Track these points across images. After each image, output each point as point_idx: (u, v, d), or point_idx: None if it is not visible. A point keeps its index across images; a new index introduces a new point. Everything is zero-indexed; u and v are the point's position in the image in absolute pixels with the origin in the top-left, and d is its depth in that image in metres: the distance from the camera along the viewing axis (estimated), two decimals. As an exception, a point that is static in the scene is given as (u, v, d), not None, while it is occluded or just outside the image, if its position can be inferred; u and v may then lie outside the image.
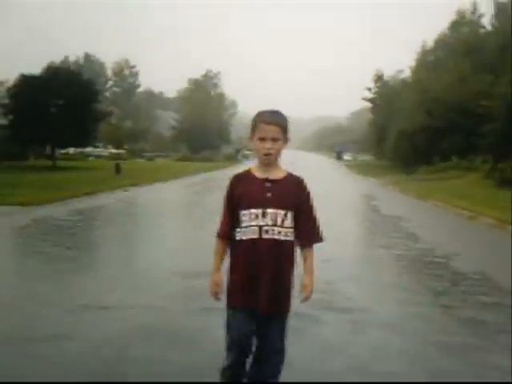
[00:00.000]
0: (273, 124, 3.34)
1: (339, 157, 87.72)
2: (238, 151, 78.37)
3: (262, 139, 3.33)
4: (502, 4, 46.45)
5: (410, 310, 6.33)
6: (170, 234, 12.40)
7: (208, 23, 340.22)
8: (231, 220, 3.39)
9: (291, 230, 3.37)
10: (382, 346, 5.10)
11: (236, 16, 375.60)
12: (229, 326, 3.41)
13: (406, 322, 5.91)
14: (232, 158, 69.99)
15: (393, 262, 9.40)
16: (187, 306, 6.03)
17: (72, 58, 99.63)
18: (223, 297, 3.43)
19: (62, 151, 43.98)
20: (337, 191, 26.00)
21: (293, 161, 45.73)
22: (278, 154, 3.39)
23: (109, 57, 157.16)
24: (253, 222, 3.31)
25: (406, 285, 7.72)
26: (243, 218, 3.34)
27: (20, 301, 6.34)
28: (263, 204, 3.32)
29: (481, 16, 51.32)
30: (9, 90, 40.00)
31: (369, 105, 68.17)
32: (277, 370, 3.51)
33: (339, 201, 20.66)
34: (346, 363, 4.64)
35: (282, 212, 3.33)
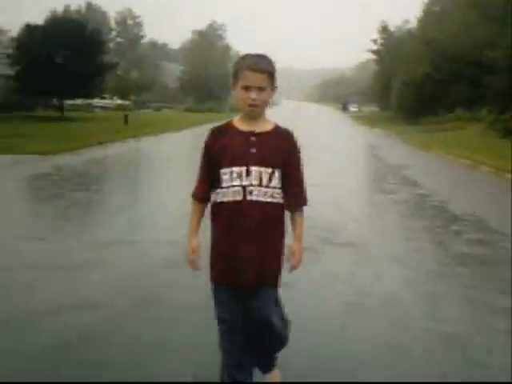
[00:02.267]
0: (259, 71, 2.85)
1: (345, 108, 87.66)
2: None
3: (247, 88, 2.86)
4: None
5: (406, 245, 7.02)
6: (183, 179, 13.04)
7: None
8: (209, 179, 2.98)
9: (279, 190, 2.94)
10: (380, 273, 5.77)
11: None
12: (215, 303, 3.01)
13: (402, 254, 6.58)
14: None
15: (393, 205, 10.05)
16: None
17: (73, 7, 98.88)
18: (202, 265, 3.03)
19: (69, 102, 44.20)
20: (341, 141, 26.56)
21: (298, 112, 46.25)
22: (264, 104, 2.94)
23: (111, 6, 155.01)
24: (235, 182, 2.88)
25: (404, 224, 8.41)
26: (224, 177, 2.90)
27: (55, 236, 7.05)
28: (247, 161, 2.88)
29: (489, -35, 50.79)
30: (14, 40, 39.99)
31: (374, 56, 67.82)
32: (272, 349, 3.21)
33: (344, 150, 21.28)
34: (347, 287, 5.32)
35: (269, 170, 2.89)
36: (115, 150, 19.43)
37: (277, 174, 2.91)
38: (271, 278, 2.96)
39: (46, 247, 6.52)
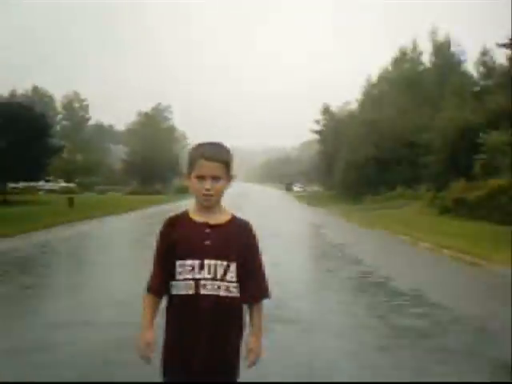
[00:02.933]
0: (213, 160, 2.77)
1: (289, 188, 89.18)
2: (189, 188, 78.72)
3: (201, 177, 2.77)
4: (440, 43, 49.36)
5: (348, 321, 7.28)
6: (131, 261, 13.11)
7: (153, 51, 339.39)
8: (164, 271, 2.83)
9: (235, 284, 2.79)
10: (323, 347, 5.99)
11: (180, 40, 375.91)
12: None
13: (346, 329, 6.83)
14: (183, 191, 70.59)
15: (337, 282, 10.35)
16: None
17: (20, 91, 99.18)
18: (156, 359, 2.86)
19: (12, 185, 43.77)
20: (286, 221, 27.00)
21: (241, 193, 46.86)
22: (219, 194, 2.83)
23: (58, 89, 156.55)
24: (188, 275, 2.75)
25: (346, 300, 8.69)
26: (178, 270, 2.78)
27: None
28: (201, 254, 2.76)
29: (420, 53, 54.03)
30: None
31: (317, 136, 69.99)
32: None
33: (289, 229, 21.66)
34: (290, 359, 5.50)
35: (224, 263, 2.77)
36: (61, 233, 19.31)
37: (232, 267, 2.78)
38: (227, 373, 2.80)
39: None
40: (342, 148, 52.13)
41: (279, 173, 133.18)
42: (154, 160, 79.12)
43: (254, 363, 2.89)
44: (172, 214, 2.93)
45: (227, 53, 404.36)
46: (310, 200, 50.98)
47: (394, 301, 8.56)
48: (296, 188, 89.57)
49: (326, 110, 66.35)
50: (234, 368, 2.82)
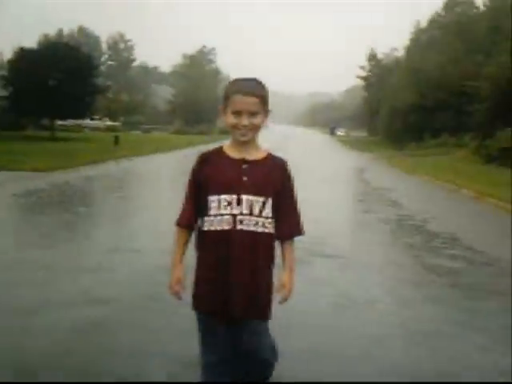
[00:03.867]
0: (250, 95, 2.75)
1: (332, 132, 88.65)
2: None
3: (238, 113, 2.76)
4: (495, -15, 47.40)
5: (385, 259, 7.57)
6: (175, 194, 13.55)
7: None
8: (195, 206, 2.88)
9: (270, 220, 2.83)
10: (362, 277, 6.33)
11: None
12: (200, 335, 2.95)
13: (383, 265, 7.13)
14: (227, 132, 70.88)
15: (378, 224, 10.60)
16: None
17: (66, 32, 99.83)
18: (185, 296, 2.93)
19: (59, 122, 44.65)
20: (329, 164, 27.17)
21: (286, 136, 47.04)
22: (256, 130, 2.82)
23: (103, 30, 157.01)
24: (224, 211, 2.77)
25: (386, 241, 8.98)
26: (212, 205, 2.80)
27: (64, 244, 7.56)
28: (238, 189, 2.77)
29: (474, -4, 52.25)
30: (9, 62, 40.66)
31: (362, 82, 69.06)
32: (260, 380, 3.08)
33: (332, 173, 21.86)
34: (332, 291, 5.85)
35: (260, 199, 2.79)
36: (108, 168, 19.92)
37: (269, 203, 2.81)
38: (261, 310, 2.85)
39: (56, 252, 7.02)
40: (386, 94, 51.43)
41: (324, 117, 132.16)
42: (198, 101, 79.49)
43: (285, 299, 2.93)
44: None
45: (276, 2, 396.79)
46: (354, 145, 50.77)
47: (431, 243, 8.81)
48: (339, 133, 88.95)
49: (373, 57, 65.22)
50: (267, 304, 2.87)
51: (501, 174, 21.03)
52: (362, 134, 79.16)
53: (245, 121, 2.76)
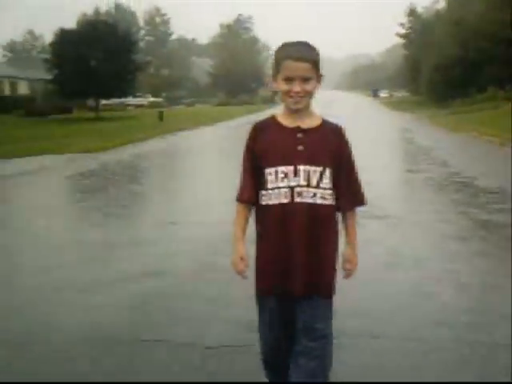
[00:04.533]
0: (302, 60, 2.59)
1: (375, 94, 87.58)
2: (275, 93, 78.57)
3: (289, 79, 2.61)
4: None
5: (432, 216, 7.74)
6: (226, 168, 13.86)
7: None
8: (253, 179, 2.72)
9: (330, 191, 2.67)
10: (408, 238, 6.53)
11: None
12: (261, 316, 2.83)
13: (430, 223, 7.31)
14: (269, 101, 70.84)
15: (423, 182, 10.72)
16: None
17: (103, 9, 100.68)
18: (250, 273, 2.77)
19: (103, 102, 45.39)
20: (373, 126, 27.10)
21: (329, 101, 46.75)
22: (310, 96, 2.67)
23: (138, 6, 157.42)
24: (281, 183, 2.63)
25: (432, 198, 9.12)
26: (269, 178, 2.65)
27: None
28: (294, 160, 2.63)
29: None
30: (51, 45, 41.31)
31: (402, 40, 67.77)
32: (322, 365, 2.72)
33: (376, 134, 21.90)
34: (382, 249, 6.07)
35: (318, 169, 2.64)
36: (155, 145, 20.38)
37: (327, 173, 2.66)
38: (325, 286, 2.71)
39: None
40: (428, 51, 50.45)
41: (365, 80, 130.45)
42: (238, 71, 79.48)
43: (351, 275, 2.82)
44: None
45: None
46: (397, 105, 50.21)
47: (478, 198, 8.91)
48: (382, 94, 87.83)
49: (412, 12, 63.82)
50: (331, 280, 2.73)
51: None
52: (405, 94, 77.95)
53: (297, 87, 2.61)
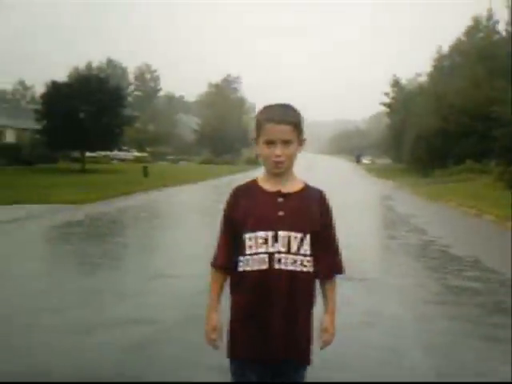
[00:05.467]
0: (283, 123, 2.55)
1: (358, 160, 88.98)
2: (258, 155, 79.51)
3: (270, 142, 2.56)
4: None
5: (408, 281, 8.08)
6: (208, 224, 14.18)
7: (218, 23, 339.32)
8: (231, 245, 2.65)
9: (310, 257, 2.60)
10: (385, 300, 6.84)
11: (247, 15, 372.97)
12: (234, 381, 2.68)
13: (406, 287, 7.64)
14: (253, 162, 71.68)
15: (401, 249, 11.11)
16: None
17: (95, 64, 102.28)
18: (222, 344, 2.70)
19: (89, 154, 45.77)
20: (356, 192, 27.65)
21: (311, 164, 47.58)
22: (291, 160, 2.62)
23: (129, 61, 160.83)
24: (261, 249, 2.55)
25: (410, 264, 9.48)
26: (248, 243, 2.58)
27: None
28: (274, 225, 2.56)
29: (496, 22, 52.65)
30: (42, 96, 41.86)
31: (386, 109, 69.42)
32: None
33: (358, 200, 22.37)
34: (359, 310, 6.37)
35: (299, 235, 2.57)
36: (140, 200, 20.67)
37: (307, 239, 2.59)
38: (301, 354, 2.64)
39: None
40: (410, 121, 51.78)
41: (349, 145, 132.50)
42: (224, 131, 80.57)
43: (328, 344, 2.74)
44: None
45: (291, 27, 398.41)
46: (379, 172, 51.15)
47: (453, 266, 9.29)
48: (365, 160, 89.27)
49: (396, 83, 65.66)
50: (307, 347, 2.67)
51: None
52: (387, 161, 79.35)
53: (278, 150, 2.55)
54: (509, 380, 3.84)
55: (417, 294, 7.34)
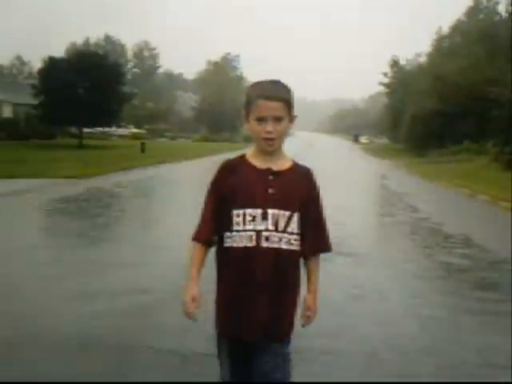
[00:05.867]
0: (274, 99, 2.52)
1: (356, 139, 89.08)
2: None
3: (261, 119, 2.53)
4: (519, -9, 47.51)
5: (399, 256, 8.27)
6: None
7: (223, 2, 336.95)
8: (216, 220, 2.62)
9: (296, 236, 2.59)
10: (374, 274, 7.02)
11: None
12: (219, 359, 2.72)
13: (396, 262, 7.82)
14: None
15: (395, 226, 11.30)
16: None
17: (93, 40, 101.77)
18: (201, 316, 2.66)
19: (86, 130, 45.74)
20: (352, 171, 27.84)
21: (311, 142, 47.78)
22: (282, 137, 2.59)
23: (128, 38, 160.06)
24: (248, 226, 2.54)
25: (400, 240, 9.67)
26: (235, 220, 2.56)
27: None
28: (263, 203, 2.54)
29: (496, 3, 52.48)
30: (39, 72, 41.78)
31: (385, 89, 69.31)
32: None
33: (354, 179, 22.58)
34: (349, 283, 6.55)
35: (287, 213, 2.56)
36: (137, 175, 20.81)
37: (295, 217, 2.57)
38: (283, 333, 2.62)
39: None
40: (409, 101, 51.77)
41: (347, 124, 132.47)
42: (222, 108, 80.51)
43: (309, 322, 2.73)
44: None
45: (297, 5, 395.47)
46: (376, 152, 51.32)
47: (443, 243, 9.47)
48: (363, 140, 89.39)
49: (395, 63, 65.48)
50: (290, 326, 2.65)
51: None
52: (385, 140, 79.42)
53: (269, 127, 2.51)
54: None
55: (405, 269, 7.51)
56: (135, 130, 65.58)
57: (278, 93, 2.54)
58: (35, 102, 39.78)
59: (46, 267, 6.93)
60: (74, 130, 43.89)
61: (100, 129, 51.14)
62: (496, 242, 9.64)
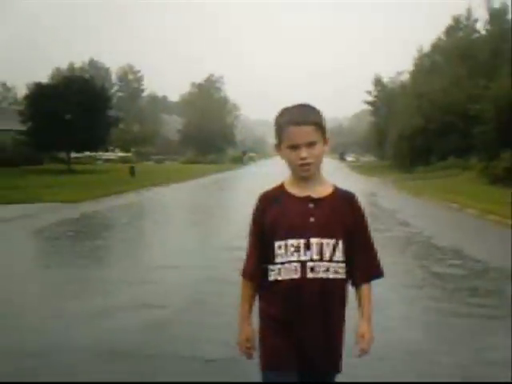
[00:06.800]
0: (304, 124, 2.46)
1: (342, 158, 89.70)
2: (243, 154, 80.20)
3: (294, 146, 2.46)
4: (496, 10, 48.71)
5: (393, 268, 8.58)
6: (198, 220, 14.63)
7: (206, 23, 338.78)
8: (260, 254, 2.56)
9: (343, 264, 2.52)
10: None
11: (235, 15, 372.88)
12: None
13: (391, 273, 8.13)
14: (238, 161, 72.17)
15: (386, 241, 11.61)
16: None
17: (77, 65, 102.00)
18: (256, 354, 2.61)
19: (73, 155, 45.81)
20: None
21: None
22: (318, 161, 2.53)
23: (110, 60, 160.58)
24: (292, 257, 2.46)
25: (394, 254, 10.02)
26: (278, 252, 2.49)
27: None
28: (305, 232, 2.47)
29: (475, 21, 53.40)
30: (26, 98, 41.96)
31: (369, 107, 70.04)
32: None
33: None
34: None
35: (331, 242, 2.49)
36: (131, 198, 21.07)
37: (340, 245, 2.50)
38: (334, 362, 2.58)
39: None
40: (393, 119, 52.42)
41: (332, 143, 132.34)
42: (208, 130, 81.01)
43: (365, 351, 2.57)
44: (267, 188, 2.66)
45: (278, 27, 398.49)
46: (363, 170, 51.81)
47: (435, 254, 9.86)
48: (349, 158, 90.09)
49: (378, 81, 66.29)
50: (340, 355, 2.60)
51: (504, 193, 21.94)
52: (371, 158, 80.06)
53: (303, 153, 2.45)
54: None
55: (400, 278, 7.86)
56: (122, 154, 65.70)
57: (307, 117, 2.49)
58: (21, 127, 39.94)
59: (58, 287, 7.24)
60: (61, 154, 43.97)
61: (87, 153, 51.22)
62: (486, 252, 10.01)
